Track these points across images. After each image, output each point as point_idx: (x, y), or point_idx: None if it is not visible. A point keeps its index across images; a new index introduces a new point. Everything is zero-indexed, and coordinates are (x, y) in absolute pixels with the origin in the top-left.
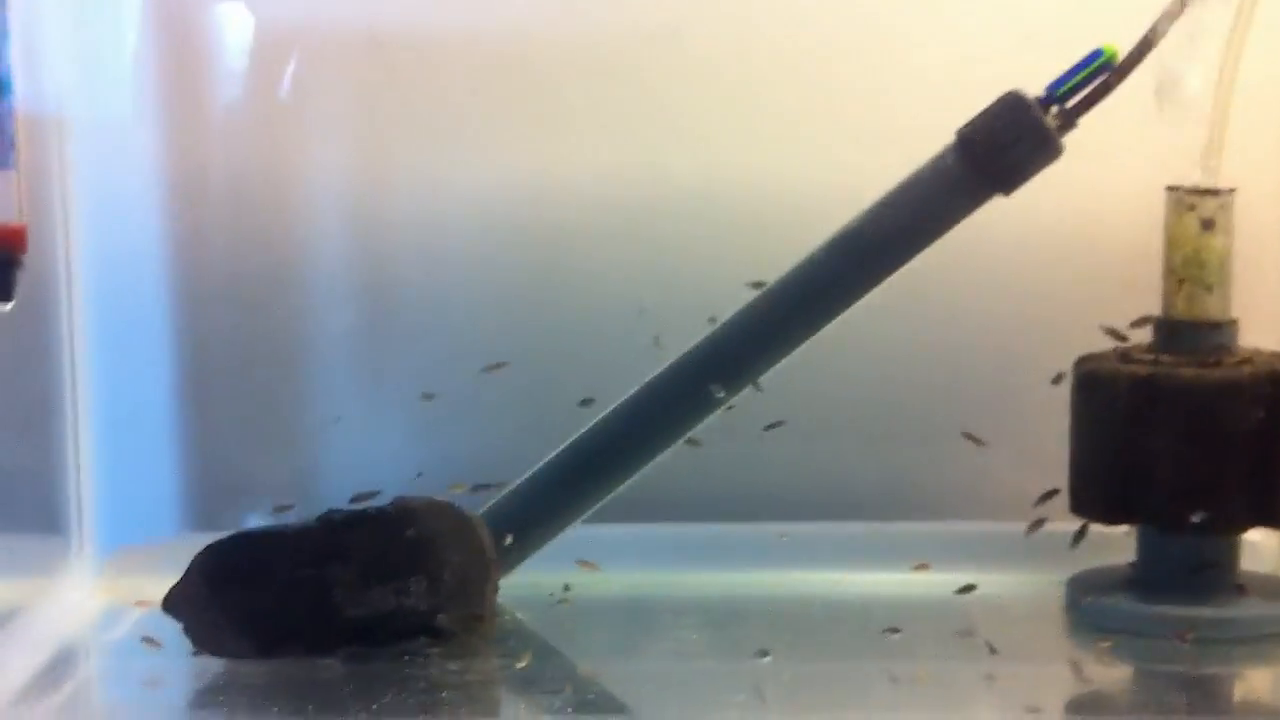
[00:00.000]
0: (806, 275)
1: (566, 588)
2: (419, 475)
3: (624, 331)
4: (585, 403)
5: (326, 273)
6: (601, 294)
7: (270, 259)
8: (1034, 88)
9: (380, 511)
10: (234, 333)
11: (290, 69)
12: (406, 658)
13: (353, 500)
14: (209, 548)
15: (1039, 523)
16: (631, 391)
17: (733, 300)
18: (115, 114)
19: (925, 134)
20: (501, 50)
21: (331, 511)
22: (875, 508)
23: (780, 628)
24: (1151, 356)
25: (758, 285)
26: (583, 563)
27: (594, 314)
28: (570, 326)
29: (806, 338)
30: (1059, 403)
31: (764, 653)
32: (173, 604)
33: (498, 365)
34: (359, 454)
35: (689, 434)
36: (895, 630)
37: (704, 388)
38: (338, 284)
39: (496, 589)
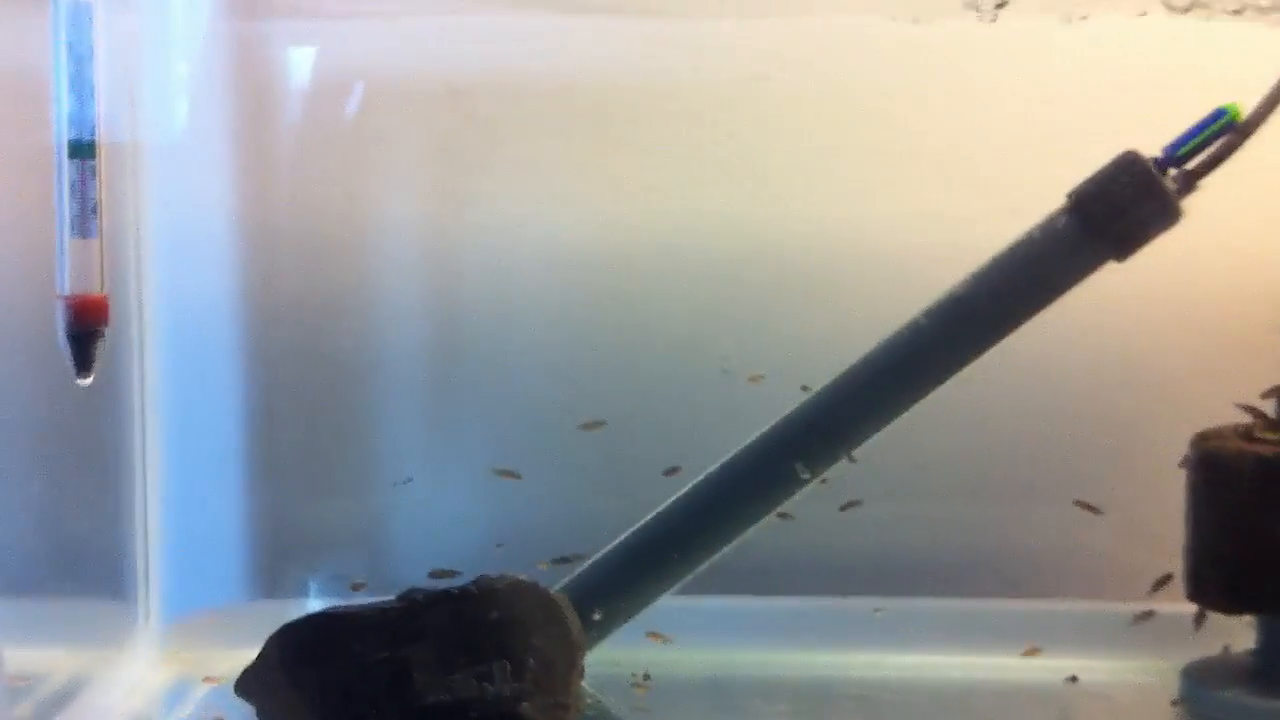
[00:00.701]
0: (909, 342)
1: (647, 676)
2: (499, 546)
3: (709, 392)
4: (670, 472)
5: (399, 327)
6: (684, 352)
7: (342, 312)
8: (1131, 134)
9: (462, 591)
10: (303, 390)
11: (367, 115)
12: None
13: (431, 576)
14: (284, 628)
15: (1148, 614)
16: (720, 462)
17: (821, 359)
18: (188, 164)
19: (1017, 183)
20: (583, 97)
21: (412, 590)
22: (975, 582)
23: (875, 714)
24: (1278, 436)
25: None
26: (653, 635)
27: (676, 373)
28: (651, 385)
29: (906, 408)
30: (1172, 473)
31: None
32: (247, 687)
33: (595, 424)
34: (429, 517)
35: (780, 508)
36: None
37: (795, 462)
38: (411, 339)
39: (582, 674)
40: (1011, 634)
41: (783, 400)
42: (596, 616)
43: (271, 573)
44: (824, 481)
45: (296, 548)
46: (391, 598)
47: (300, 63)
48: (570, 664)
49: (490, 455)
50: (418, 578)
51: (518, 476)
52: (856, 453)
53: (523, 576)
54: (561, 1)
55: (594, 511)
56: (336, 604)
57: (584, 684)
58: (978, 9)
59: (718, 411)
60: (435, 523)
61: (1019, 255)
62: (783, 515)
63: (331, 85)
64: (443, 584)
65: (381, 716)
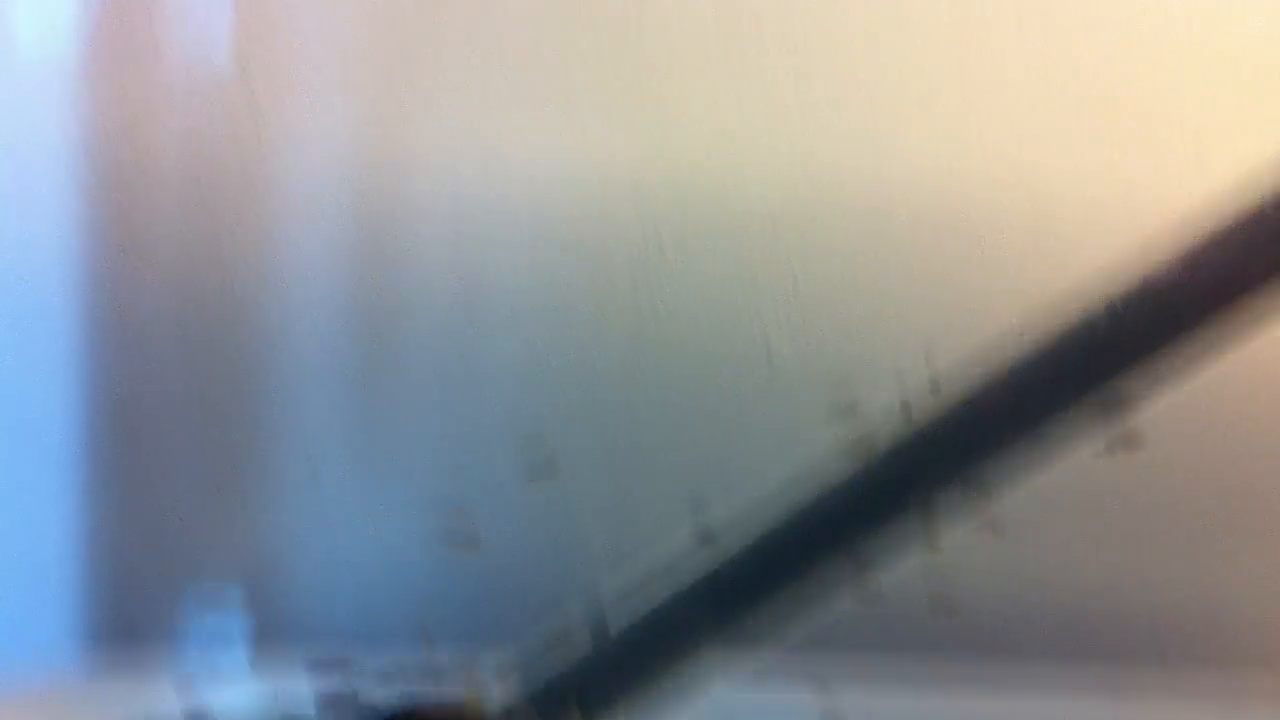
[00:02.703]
0: (1073, 343)
1: None
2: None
3: (747, 396)
4: (705, 539)
5: (312, 292)
6: (716, 336)
7: (233, 275)
8: None
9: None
10: (174, 378)
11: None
12: None
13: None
14: None
15: None
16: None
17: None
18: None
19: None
20: None
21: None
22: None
23: None
24: None
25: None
26: None
27: (704, 365)
28: (669, 384)
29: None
30: None
31: None
32: None
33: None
34: (341, 553)
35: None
36: None
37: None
38: (328, 308)
39: None
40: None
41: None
42: None
43: (124, 620)
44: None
45: (159, 588)
46: None
47: None
48: None
49: (431, 483)
50: (319, 636)
51: (474, 546)
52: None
53: (469, 700)
54: None
55: (572, 561)
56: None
57: None
58: None
59: (766, 437)
60: (349, 561)
61: (1244, 232)
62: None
63: None
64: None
65: None
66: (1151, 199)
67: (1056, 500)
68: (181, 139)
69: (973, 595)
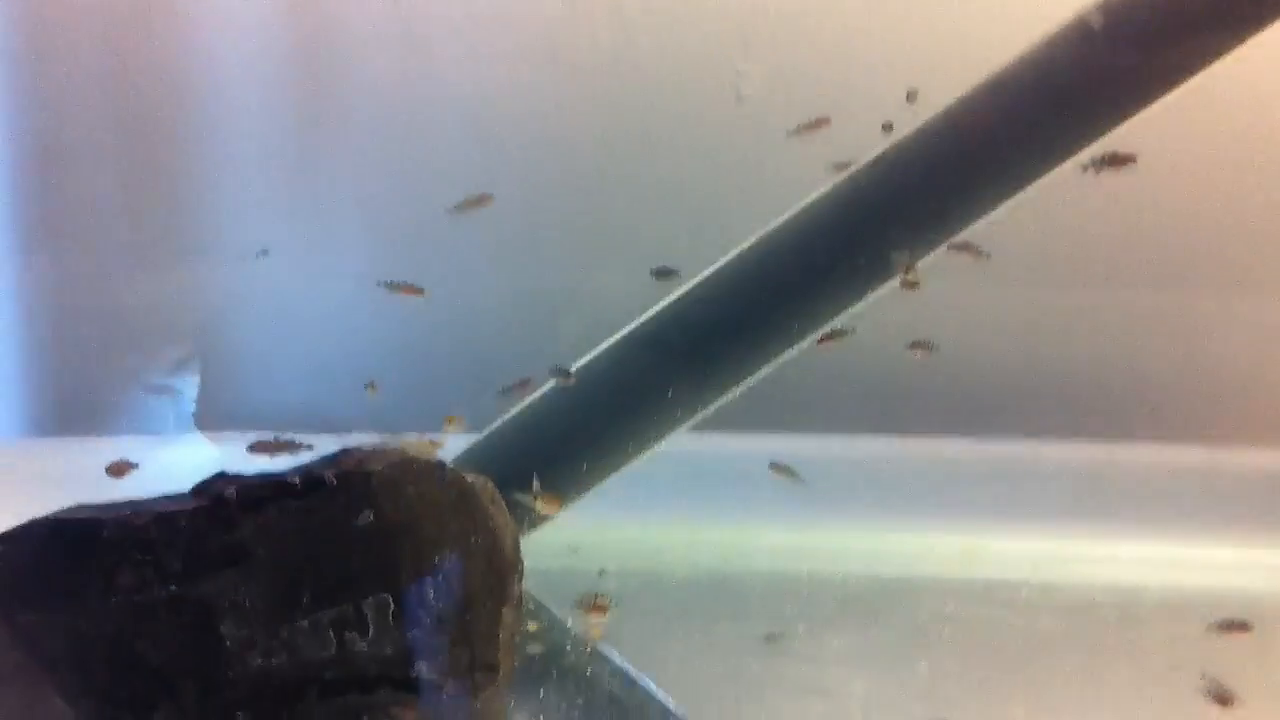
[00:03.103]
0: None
1: (601, 572)
2: (369, 387)
3: (714, 133)
4: (664, 275)
5: (251, 57)
6: (682, 69)
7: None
8: None
9: (309, 477)
10: (104, 122)
11: None
12: None
13: (253, 450)
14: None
15: None
16: (737, 252)
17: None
18: None
19: None
20: None
21: (219, 478)
22: None
23: None
24: None
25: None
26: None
27: (670, 101)
28: (631, 122)
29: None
30: None
31: None
32: None
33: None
34: (293, 315)
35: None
36: None
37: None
38: (267, 49)
39: (519, 603)
40: None
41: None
42: (535, 492)
43: (54, 395)
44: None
45: (101, 359)
46: (185, 491)
47: None
48: (499, 593)
49: (374, 241)
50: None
51: (419, 292)
52: None
53: (417, 446)
54: None
55: (526, 321)
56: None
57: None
58: None
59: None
60: (293, 327)
61: None
62: (835, 334)
63: None
64: (275, 465)
65: (165, 695)
66: None
67: (1038, 232)
68: None
69: (953, 334)
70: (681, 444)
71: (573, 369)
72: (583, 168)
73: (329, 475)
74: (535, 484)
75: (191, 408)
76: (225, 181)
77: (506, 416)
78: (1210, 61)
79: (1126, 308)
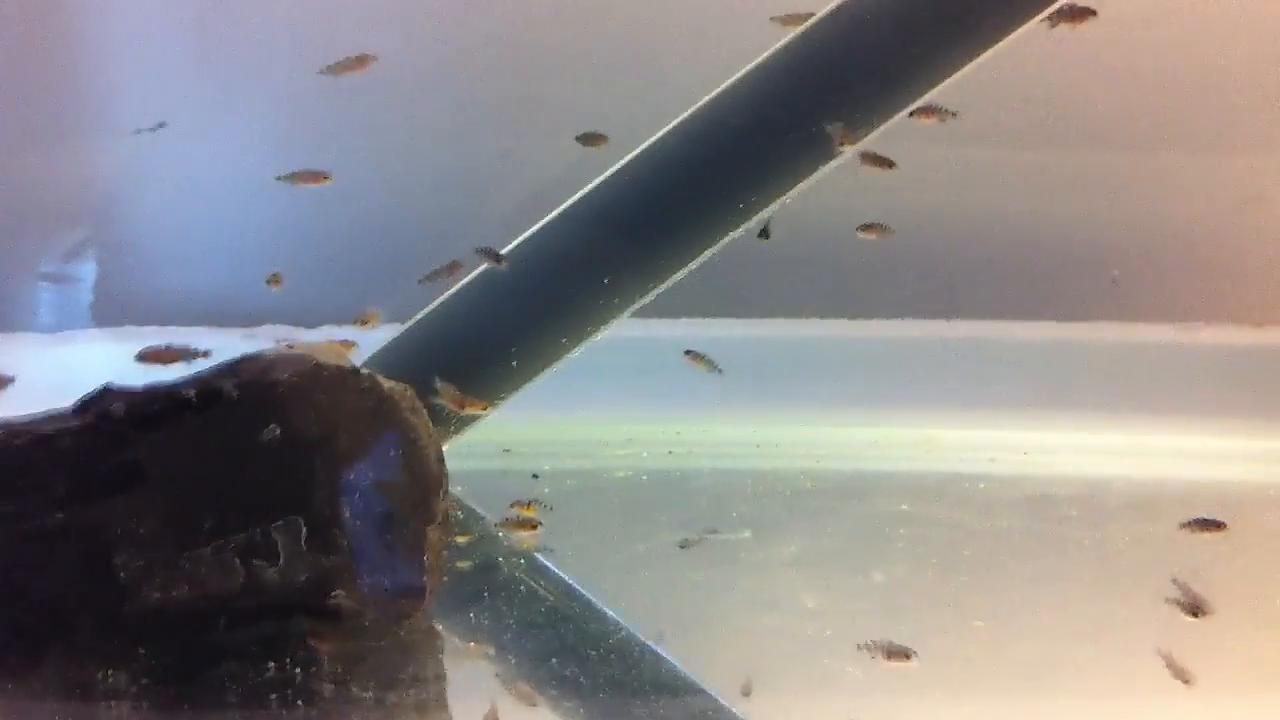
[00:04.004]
0: None
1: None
2: (272, 280)
3: None
4: (590, 140)
5: None
6: None
7: None
8: None
9: (206, 388)
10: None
11: None
12: (270, 672)
13: (142, 360)
14: None
15: None
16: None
17: None
18: None
19: None
20: None
21: (106, 392)
22: None
23: None
24: None
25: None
26: (520, 514)
27: None
28: None
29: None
30: None
31: None
32: None
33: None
34: (194, 196)
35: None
36: None
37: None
38: None
39: (445, 521)
40: None
41: None
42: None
43: None
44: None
45: None
46: (67, 408)
47: None
48: (423, 510)
49: (283, 113)
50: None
51: (324, 179)
52: None
53: (328, 350)
54: None
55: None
56: None
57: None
58: None
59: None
60: (194, 209)
61: None
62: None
63: None
64: (168, 376)
65: (57, 631)
66: None
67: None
68: None
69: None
70: (618, 331)
71: (503, 252)
72: (504, 29)
73: (229, 386)
74: (444, 386)
75: (86, 299)
76: (117, 48)
77: (428, 309)
78: None
79: (1087, 170)
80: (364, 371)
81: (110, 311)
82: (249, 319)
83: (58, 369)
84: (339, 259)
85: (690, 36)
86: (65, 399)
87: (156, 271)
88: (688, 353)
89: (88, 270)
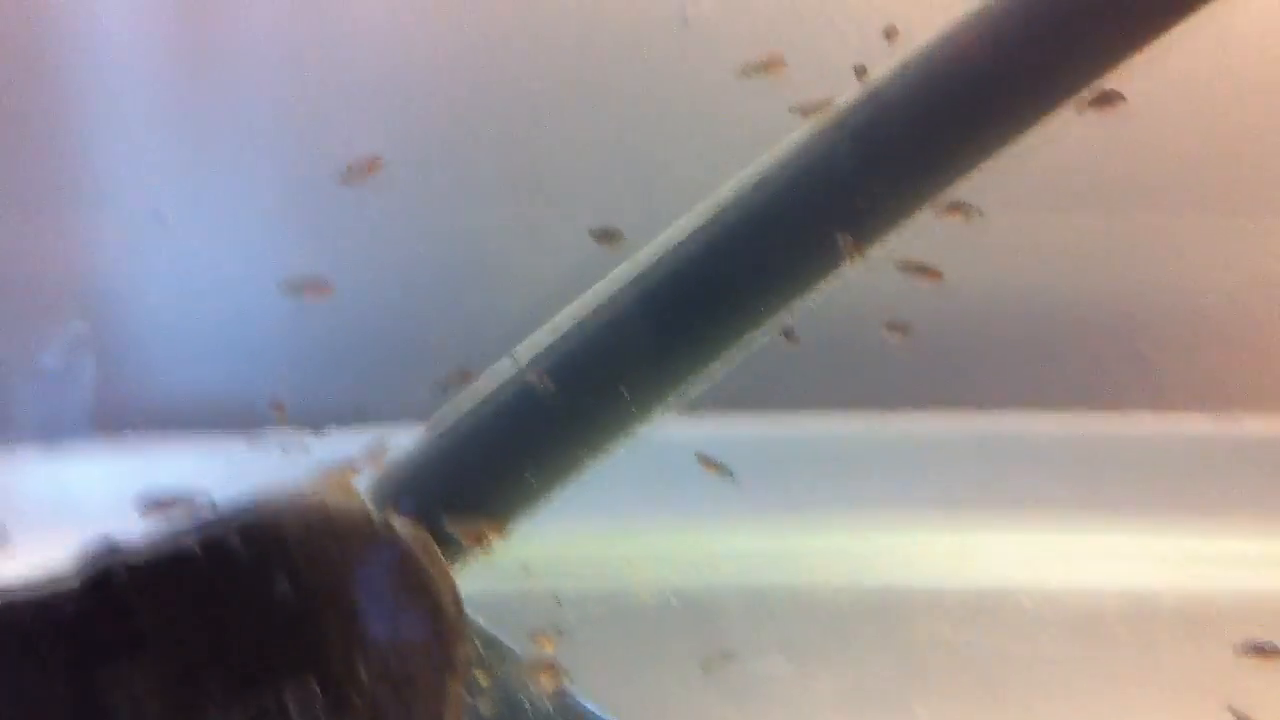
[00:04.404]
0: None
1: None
2: (276, 408)
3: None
4: (604, 237)
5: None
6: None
7: None
8: None
9: (210, 541)
10: None
11: None
12: None
13: (144, 510)
14: None
15: None
16: (702, 219)
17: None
18: None
19: None
20: None
21: (107, 550)
22: None
23: None
24: None
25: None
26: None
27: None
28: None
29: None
30: None
31: None
32: None
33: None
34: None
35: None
36: None
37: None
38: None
39: (466, 671)
40: None
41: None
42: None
43: None
44: None
45: None
46: (67, 569)
47: None
48: (444, 664)
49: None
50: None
51: (327, 290)
52: None
53: (335, 481)
54: None
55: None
56: None
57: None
58: None
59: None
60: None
61: None
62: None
63: None
64: (169, 524)
65: None
66: None
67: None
68: None
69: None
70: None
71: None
72: (512, 116)
73: (235, 540)
74: (456, 520)
75: (82, 404)
76: (112, 134)
77: (436, 423)
78: None
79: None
80: (376, 516)
81: (107, 417)
82: (253, 420)
83: (52, 484)
84: (345, 357)
85: (703, 119)
86: (62, 517)
87: (155, 373)
88: (700, 457)
89: (83, 373)
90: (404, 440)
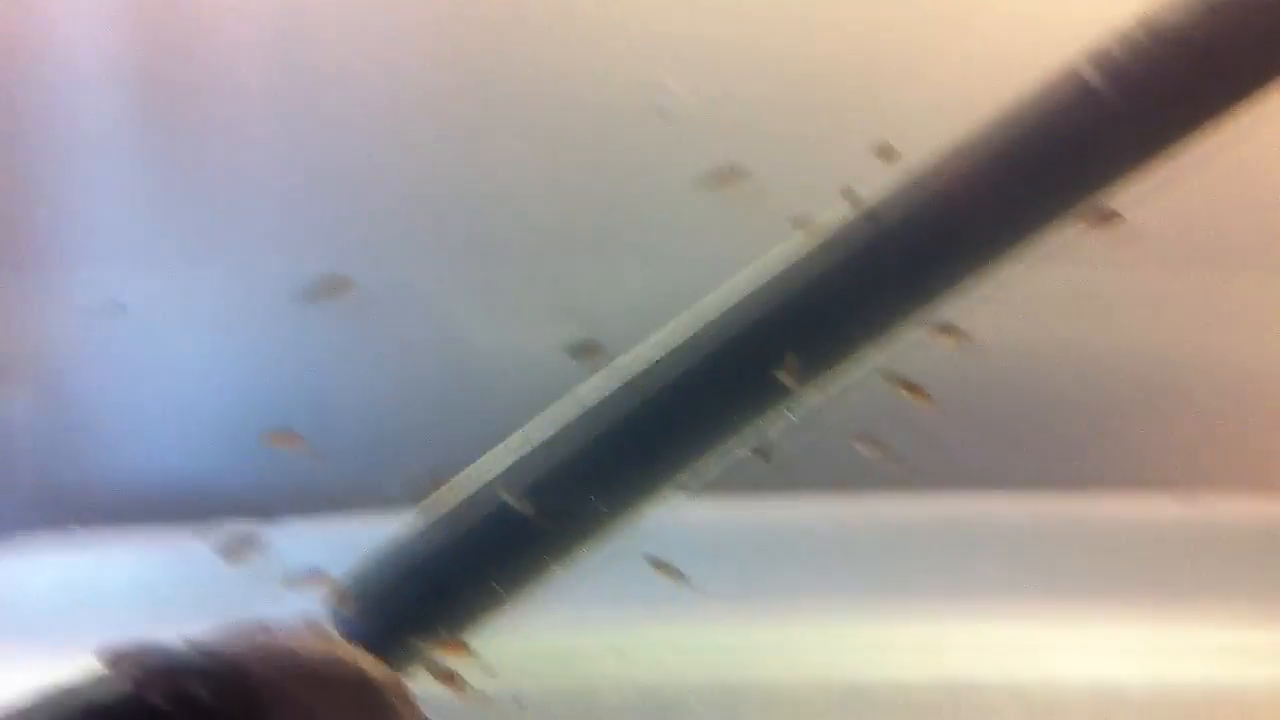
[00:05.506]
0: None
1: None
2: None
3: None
4: (580, 351)
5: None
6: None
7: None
8: None
9: (179, 690)
10: None
11: None
12: None
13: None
14: None
15: None
16: (667, 345)
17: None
18: None
19: None
20: None
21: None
22: None
23: None
24: None
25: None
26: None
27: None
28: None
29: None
30: None
31: None
32: None
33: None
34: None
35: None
36: None
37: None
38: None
39: None
40: None
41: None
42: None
43: None
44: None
45: None
46: None
47: None
48: None
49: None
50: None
51: (299, 442)
52: None
53: (306, 630)
54: None
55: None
56: None
57: None
58: None
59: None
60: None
61: None
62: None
63: None
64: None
65: None
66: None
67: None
68: None
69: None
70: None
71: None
72: (494, 219)
73: (201, 691)
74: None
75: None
76: (77, 221)
77: (398, 534)
78: (1216, 120)
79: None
80: (347, 659)
81: (55, 510)
82: (210, 510)
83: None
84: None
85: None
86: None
87: (108, 461)
88: (651, 560)
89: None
90: (363, 531)
